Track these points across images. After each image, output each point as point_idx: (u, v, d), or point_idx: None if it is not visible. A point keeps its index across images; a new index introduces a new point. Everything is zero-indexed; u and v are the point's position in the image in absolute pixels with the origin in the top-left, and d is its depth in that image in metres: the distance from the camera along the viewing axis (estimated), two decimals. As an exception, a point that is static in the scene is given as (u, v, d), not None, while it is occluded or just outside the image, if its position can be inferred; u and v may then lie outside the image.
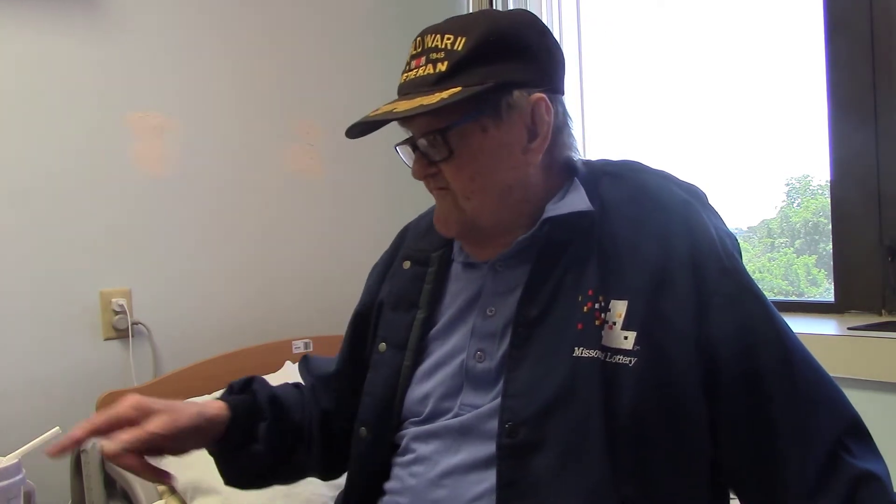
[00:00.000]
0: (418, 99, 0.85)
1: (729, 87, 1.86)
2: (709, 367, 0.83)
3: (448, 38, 0.87)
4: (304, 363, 1.15)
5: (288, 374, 1.90)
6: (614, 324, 0.84)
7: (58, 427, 0.99)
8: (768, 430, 0.82)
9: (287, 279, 2.17)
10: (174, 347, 1.98)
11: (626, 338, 0.83)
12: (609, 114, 2.10)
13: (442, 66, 0.86)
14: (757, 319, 0.85)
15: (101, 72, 1.90)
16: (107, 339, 1.91)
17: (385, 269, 1.08)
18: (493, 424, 0.86)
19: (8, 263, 1.79)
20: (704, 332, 0.83)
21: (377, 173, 2.31)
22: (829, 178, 1.59)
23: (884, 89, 1.50)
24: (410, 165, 0.95)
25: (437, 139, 0.88)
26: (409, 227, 1.12)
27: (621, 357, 0.83)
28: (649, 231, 0.87)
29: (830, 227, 1.61)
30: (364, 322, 1.07)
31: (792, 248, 1.90)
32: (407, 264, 1.03)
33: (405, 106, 0.85)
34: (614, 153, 2.04)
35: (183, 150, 2.02)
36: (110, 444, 0.83)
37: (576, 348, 0.84)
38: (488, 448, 0.86)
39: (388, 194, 2.30)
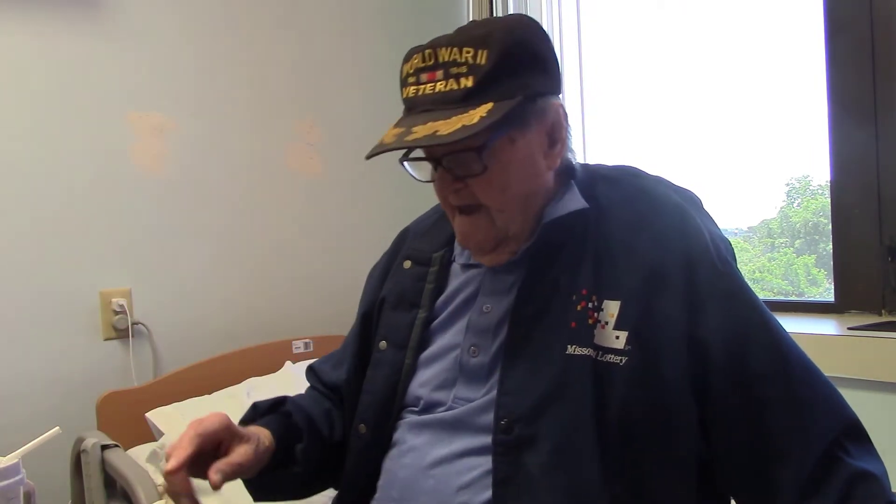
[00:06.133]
0: (454, 118, 0.83)
1: (729, 87, 1.86)
2: (700, 368, 0.84)
3: (468, 52, 0.85)
4: (312, 373, 1.14)
5: (288, 374, 1.90)
6: (606, 323, 0.85)
7: (58, 427, 0.99)
8: (764, 433, 0.83)
9: (287, 279, 2.17)
10: (174, 347, 1.98)
11: (617, 337, 0.84)
12: (609, 115, 2.10)
13: (467, 81, 0.85)
14: (750, 322, 0.86)
15: (101, 71, 1.90)
16: (107, 339, 1.90)
17: (386, 270, 1.08)
18: (487, 419, 0.87)
19: (8, 263, 1.79)
20: (696, 335, 0.84)
21: (378, 173, 2.30)
22: (829, 178, 1.59)
23: (884, 89, 1.49)
24: (422, 179, 0.94)
25: (470, 156, 0.87)
26: (410, 229, 1.12)
27: (612, 356, 0.84)
28: (644, 233, 0.88)
29: (830, 227, 1.61)
30: (370, 323, 1.07)
31: (792, 248, 1.90)
32: (408, 264, 1.04)
33: (446, 129, 0.82)
34: (615, 154, 2.05)
35: (183, 149, 2.01)
36: (217, 476, 0.84)
37: (569, 346, 0.85)
38: (480, 440, 0.87)
39: (389, 194, 2.30)
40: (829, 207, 1.61)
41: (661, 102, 1.98)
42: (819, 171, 1.79)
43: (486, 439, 0.86)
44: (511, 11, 2.11)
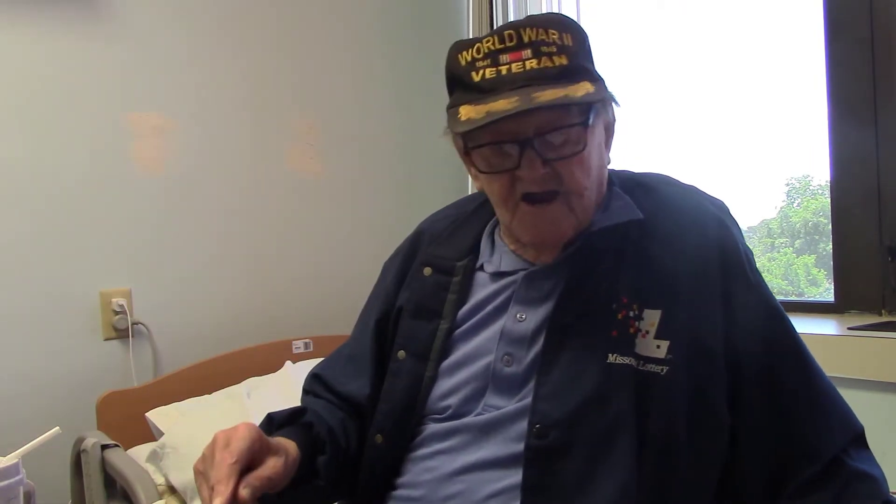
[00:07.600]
0: (577, 86, 0.82)
1: (729, 87, 1.86)
2: (733, 378, 0.84)
3: (553, 34, 0.85)
4: (320, 381, 1.05)
5: (288, 375, 1.90)
6: (647, 332, 0.84)
7: (58, 427, 0.98)
8: (785, 442, 0.84)
9: (287, 279, 2.17)
10: (174, 347, 1.98)
11: (658, 346, 0.84)
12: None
13: (561, 60, 0.85)
14: (779, 334, 0.87)
15: (101, 72, 1.90)
16: (107, 339, 1.90)
17: (402, 274, 1.04)
18: (519, 425, 0.85)
19: (8, 263, 1.78)
20: (731, 345, 0.85)
21: (378, 174, 2.31)
22: (829, 178, 1.59)
23: (884, 90, 1.50)
24: (486, 170, 0.89)
25: (573, 133, 0.85)
26: (425, 231, 1.07)
27: (653, 366, 0.83)
28: (683, 244, 0.88)
29: (830, 227, 1.61)
30: (385, 331, 1.02)
31: (792, 248, 1.90)
32: (428, 271, 1.00)
33: (574, 93, 0.81)
34: (614, 154, 2.05)
35: (183, 150, 2.01)
36: (246, 491, 0.76)
37: (609, 354, 0.84)
38: (511, 448, 0.85)
39: (389, 194, 2.30)
40: (829, 207, 1.62)
41: (661, 102, 1.98)
42: (819, 171, 1.79)
43: (518, 447, 0.84)
44: (511, 12, 2.11)
